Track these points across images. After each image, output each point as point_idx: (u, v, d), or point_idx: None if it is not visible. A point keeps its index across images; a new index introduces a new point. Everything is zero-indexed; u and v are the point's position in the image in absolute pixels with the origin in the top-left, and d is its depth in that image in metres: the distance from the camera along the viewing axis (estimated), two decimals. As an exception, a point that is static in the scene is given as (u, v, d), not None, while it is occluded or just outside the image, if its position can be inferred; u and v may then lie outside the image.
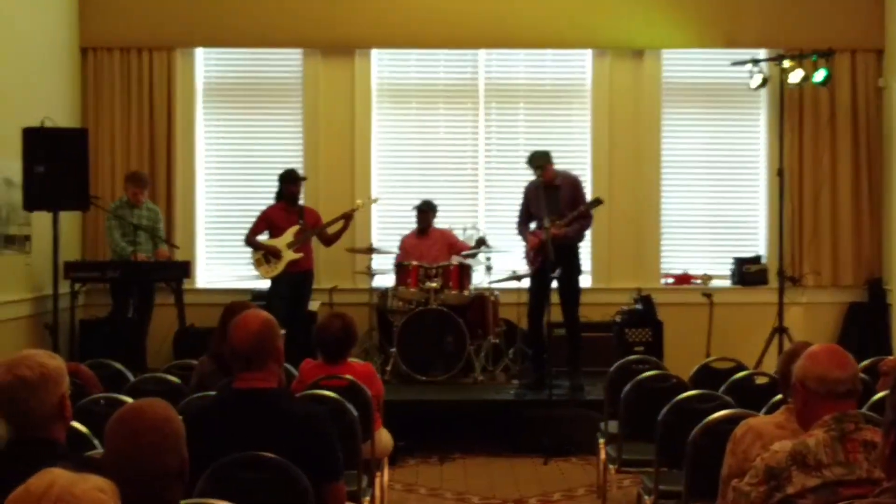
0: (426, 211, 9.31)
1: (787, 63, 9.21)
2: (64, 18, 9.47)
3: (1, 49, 8.08)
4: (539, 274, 8.21)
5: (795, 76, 9.19)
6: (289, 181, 8.96)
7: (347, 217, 8.93)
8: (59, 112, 8.84)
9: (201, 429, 3.40)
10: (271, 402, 3.62)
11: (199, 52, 9.98)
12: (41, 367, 3.02)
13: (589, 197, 8.58)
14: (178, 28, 9.74)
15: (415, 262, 8.87)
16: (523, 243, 8.48)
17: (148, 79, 9.74)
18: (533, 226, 8.31)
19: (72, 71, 9.63)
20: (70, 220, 9.04)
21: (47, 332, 8.18)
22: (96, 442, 3.96)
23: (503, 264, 9.24)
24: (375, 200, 9.52)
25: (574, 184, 8.36)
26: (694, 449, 4.29)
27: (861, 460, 3.03)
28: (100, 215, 9.15)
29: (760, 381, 5.82)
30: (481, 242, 9.18)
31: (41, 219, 8.23)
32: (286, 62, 10.09)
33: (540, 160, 8.17)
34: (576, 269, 8.35)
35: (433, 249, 9.23)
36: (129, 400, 4.74)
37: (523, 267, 8.91)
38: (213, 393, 4.68)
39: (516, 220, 8.53)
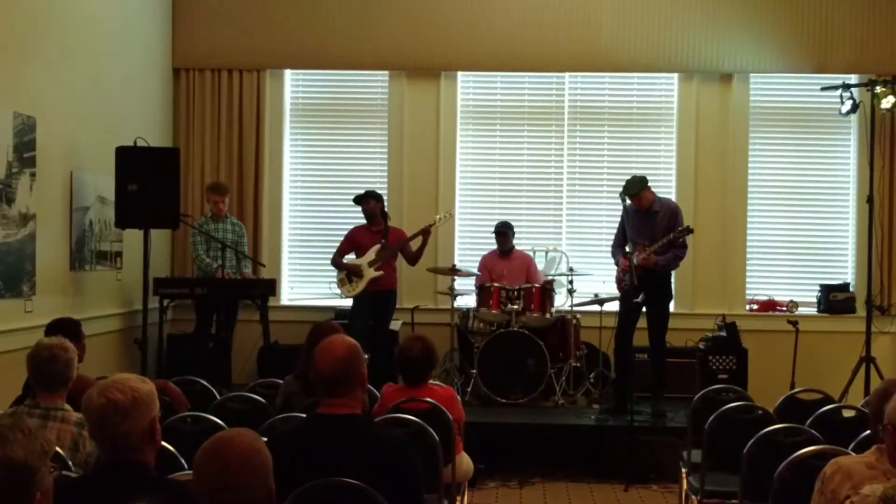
0: (505, 233, 9.27)
1: (878, 88, 9.03)
2: (158, 39, 9.70)
3: (97, 69, 8.29)
4: (626, 298, 8.16)
5: (887, 102, 9.00)
6: (359, 202, 9.06)
7: (426, 232, 8.96)
8: (152, 131, 9.04)
9: (286, 453, 3.43)
10: (355, 429, 3.66)
11: (288, 74, 10.15)
12: (133, 392, 3.07)
13: None
14: (268, 50, 9.91)
15: (497, 284, 8.87)
16: (615, 266, 8.39)
17: (238, 99, 9.93)
18: (628, 249, 8.23)
19: (164, 91, 9.86)
20: (159, 236, 9.22)
21: (136, 347, 8.35)
22: (183, 461, 4.02)
23: (585, 287, 9.21)
24: (450, 215, 9.36)
25: (673, 212, 8.25)
26: (780, 484, 4.24)
27: None
28: (188, 233, 9.28)
29: (848, 414, 5.72)
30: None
31: (132, 235, 8.43)
32: (372, 84, 10.19)
33: (633, 188, 8.10)
34: (665, 295, 8.28)
35: (514, 270, 9.22)
36: (217, 420, 4.83)
37: (605, 290, 8.86)
38: (297, 413, 4.76)
39: (612, 241, 8.49)
